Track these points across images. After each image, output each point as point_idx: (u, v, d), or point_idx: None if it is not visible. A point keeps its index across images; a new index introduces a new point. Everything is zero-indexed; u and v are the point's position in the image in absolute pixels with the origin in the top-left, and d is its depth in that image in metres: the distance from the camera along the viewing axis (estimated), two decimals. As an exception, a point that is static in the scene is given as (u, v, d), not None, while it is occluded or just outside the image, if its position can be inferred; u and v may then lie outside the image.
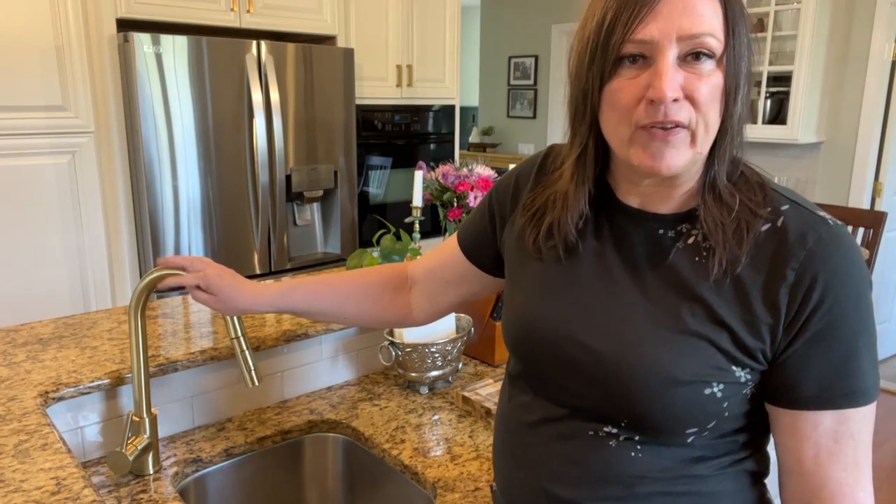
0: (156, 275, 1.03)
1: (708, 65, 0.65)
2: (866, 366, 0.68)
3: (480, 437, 1.24)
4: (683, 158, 0.68)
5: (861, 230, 3.09)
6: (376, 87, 3.27)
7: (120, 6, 2.43)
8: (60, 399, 1.10)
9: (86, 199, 2.50)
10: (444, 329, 1.44)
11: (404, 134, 3.45)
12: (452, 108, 3.64)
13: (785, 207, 0.70)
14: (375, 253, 1.55)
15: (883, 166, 3.75)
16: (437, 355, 1.40)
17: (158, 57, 2.45)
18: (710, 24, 0.64)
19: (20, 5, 2.25)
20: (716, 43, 0.65)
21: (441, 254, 1.01)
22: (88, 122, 2.45)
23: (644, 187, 0.75)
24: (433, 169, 1.79)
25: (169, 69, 2.49)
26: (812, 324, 0.67)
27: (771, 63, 3.72)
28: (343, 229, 3.15)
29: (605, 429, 0.74)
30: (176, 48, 2.48)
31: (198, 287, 1.00)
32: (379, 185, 3.42)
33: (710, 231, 0.70)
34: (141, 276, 2.66)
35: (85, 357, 1.22)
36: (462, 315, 1.53)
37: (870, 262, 2.95)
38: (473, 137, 6.15)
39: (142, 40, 2.41)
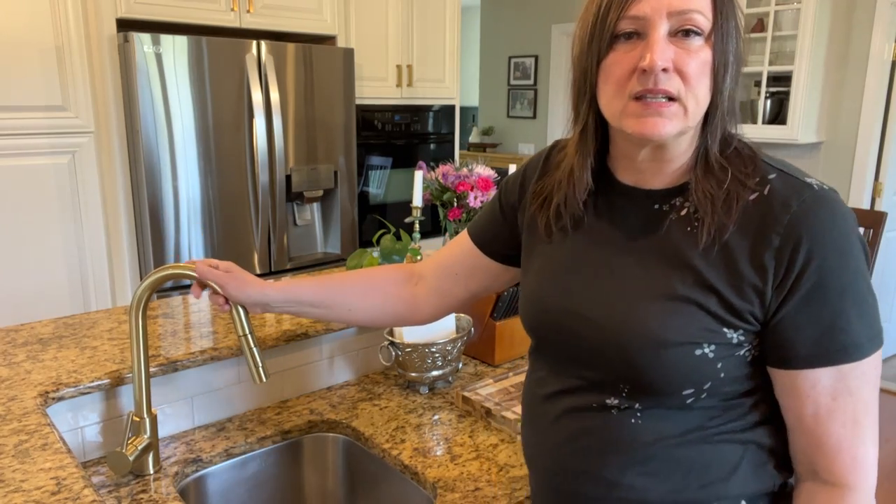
0: (159, 275, 1.03)
1: (696, 41, 0.71)
2: (856, 322, 0.70)
3: (480, 437, 1.25)
4: (675, 127, 0.72)
5: (861, 230, 3.09)
6: (376, 87, 3.27)
7: (120, 6, 2.43)
8: (60, 399, 1.10)
9: (86, 199, 2.50)
10: (444, 329, 1.44)
11: (404, 134, 3.46)
12: (452, 108, 3.64)
13: (772, 177, 0.74)
14: (375, 253, 1.55)
15: (883, 166, 3.75)
16: (437, 355, 1.40)
17: (158, 57, 2.46)
18: (698, 3, 0.70)
19: (20, 5, 2.25)
20: (704, 20, 0.70)
21: (451, 249, 1.04)
22: (88, 122, 2.45)
23: (639, 163, 0.79)
24: (433, 169, 1.79)
25: (169, 69, 2.49)
26: (801, 284, 0.70)
27: (771, 63, 3.72)
28: (343, 229, 3.15)
29: (608, 400, 0.79)
30: (176, 48, 2.48)
31: (208, 285, 1.00)
32: (379, 185, 3.42)
33: (700, 202, 0.74)
34: (141, 276, 2.66)
35: (85, 357, 1.22)
36: (462, 315, 1.53)
37: (870, 263, 2.95)
38: (473, 137, 6.15)
39: (142, 40, 2.41)
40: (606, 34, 0.72)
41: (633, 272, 0.78)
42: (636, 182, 0.81)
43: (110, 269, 2.60)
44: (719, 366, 0.73)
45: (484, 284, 1.03)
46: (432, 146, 3.60)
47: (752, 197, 0.73)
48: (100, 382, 1.14)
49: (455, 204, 1.73)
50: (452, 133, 3.68)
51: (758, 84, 3.82)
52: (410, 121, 3.46)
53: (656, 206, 0.79)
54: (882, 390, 3.70)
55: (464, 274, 1.02)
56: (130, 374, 1.16)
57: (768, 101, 3.78)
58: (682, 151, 0.77)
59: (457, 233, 1.78)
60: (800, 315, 0.71)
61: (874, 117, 3.67)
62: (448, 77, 3.58)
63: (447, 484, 1.11)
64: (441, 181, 1.74)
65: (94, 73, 2.44)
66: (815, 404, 0.73)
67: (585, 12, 0.76)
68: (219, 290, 1.00)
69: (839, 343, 0.70)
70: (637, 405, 0.77)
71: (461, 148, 5.69)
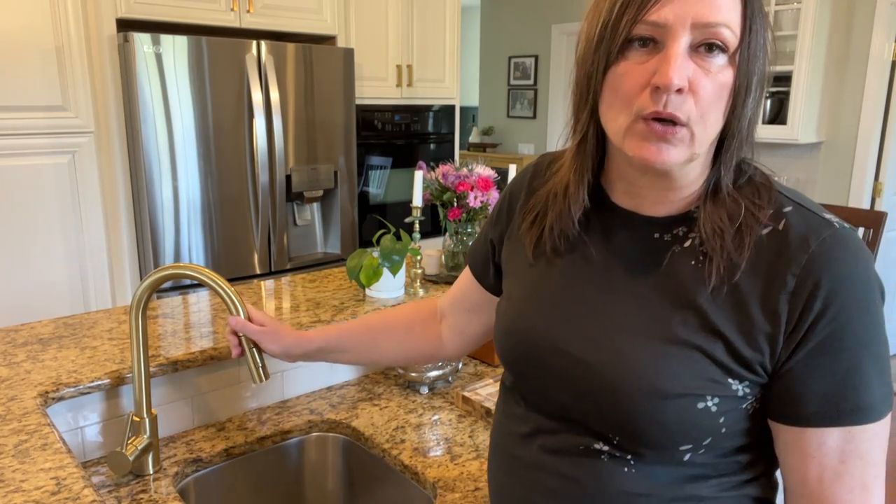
0: (158, 275, 1.03)
1: (720, 59, 0.62)
2: (873, 379, 0.63)
3: (480, 437, 1.24)
4: (681, 154, 0.64)
5: (861, 230, 3.09)
6: (376, 87, 3.27)
7: (120, 6, 2.43)
8: (60, 399, 1.10)
9: (86, 199, 2.50)
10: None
11: (404, 134, 3.46)
12: (452, 108, 3.64)
13: (788, 209, 0.66)
14: (375, 253, 1.55)
15: (883, 166, 3.75)
16: (437, 355, 1.40)
17: (158, 57, 2.46)
18: (727, 15, 0.61)
19: (20, 5, 2.25)
20: (730, 35, 0.62)
21: (460, 283, 1.00)
22: (88, 122, 2.45)
23: (639, 189, 0.72)
24: (433, 169, 1.79)
25: (169, 69, 2.49)
26: (815, 334, 0.63)
27: (771, 63, 3.72)
28: (343, 229, 3.15)
29: (596, 445, 0.71)
30: (176, 48, 2.48)
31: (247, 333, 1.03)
32: (379, 185, 3.42)
33: (708, 237, 0.67)
34: (141, 277, 2.66)
35: (85, 357, 1.22)
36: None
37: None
38: (473, 137, 6.15)
39: (142, 40, 2.41)
40: (619, 38, 0.63)
41: (629, 309, 0.69)
42: (634, 207, 0.73)
43: (110, 269, 2.60)
44: (721, 420, 0.66)
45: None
46: (432, 146, 3.60)
47: (765, 231, 0.65)
48: (100, 382, 1.14)
49: (455, 204, 1.73)
50: (452, 133, 3.68)
51: (758, 84, 3.82)
52: (410, 121, 3.46)
53: (657, 236, 0.71)
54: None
55: (474, 309, 0.97)
56: (130, 374, 1.16)
57: (768, 101, 3.78)
58: (691, 181, 0.69)
59: (457, 233, 1.78)
60: (811, 367, 0.63)
61: (874, 117, 3.67)
62: (448, 77, 3.58)
63: (447, 484, 1.10)
64: (441, 181, 1.74)
65: (94, 74, 2.44)
66: (820, 466, 0.65)
67: (595, 8, 0.67)
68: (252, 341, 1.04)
69: (852, 402, 0.63)
70: (629, 456, 0.70)
71: (461, 148, 5.69)
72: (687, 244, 0.69)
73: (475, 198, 1.70)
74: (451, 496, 1.07)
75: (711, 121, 0.64)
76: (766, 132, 3.75)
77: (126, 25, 2.52)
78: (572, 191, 0.74)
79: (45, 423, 0.98)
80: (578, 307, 0.73)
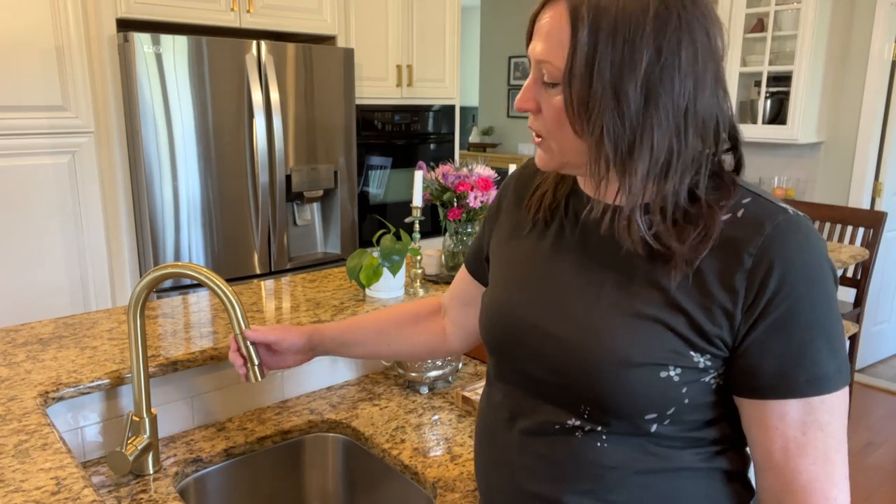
0: (157, 274, 1.03)
1: (553, 87, 0.71)
2: (826, 354, 0.68)
3: (480, 437, 1.24)
4: (552, 161, 0.76)
5: (861, 230, 3.09)
6: (376, 87, 3.27)
7: (120, 6, 2.43)
8: (60, 399, 1.10)
9: (86, 199, 2.50)
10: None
11: (404, 134, 3.46)
12: (452, 108, 3.64)
13: (746, 200, 0.72)
14: (375, 253, 1.55)
15: (883, 166, 3.75)
16: (437, 355, 1.40)
17: (158, 57, 2.46)
18: (547, 54, 0.70)
19: (20, 6, 2.25)
20: (553, 69, 0.70)
21: (459, 278, 1.05)
22: (88, 122, 2.45)
23: (586, 179, 0.80)
24: (433, 169, 1.79)
25: (169, 69, 2.49)
26: (770, 310, 0.67)
27: (771, 63, 3.72)
28: (343, 229, 3.15)
29: (570, 421, 0.76)
30: (176, 48, 2.48)
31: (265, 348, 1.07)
32: (379, 185, 3.42)
33: (665, 245, 0.71)
34: (141, 276, 2.66)
35: (85, 357, 1.22)
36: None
37: (870, 262, 2.95)
38: (473, 137, 6.15)
39: (142, 40, 2.41)
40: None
41: (598, 287, 0.75)
42: (596, 195, 0.77)
43: (110, 270, 2.60)
44: (684, 391, 0.71)
45: None
46: (432, 146, 3.60)
47: (724, 218, 0.70)
48: (100, 382, 1.14)
49: (455, 204, 1.73)
50: (452, 133, 3.68)
51: (758, 84, 3.82)
52: (410, 121, 3.46)
53: (618, 221, 0.75)
54: (882, 390, 3.70)
55: (471, 303, 1.02)
56: (130, 375, 1.16)
57: (768, 101, 3.78)
58: (612, 180, 0.72)
59: (457, 233, 1.78)
60: (768, 342, 0.68)
61: (874, 117, 3.66)
62: (448, 77, 3.58)
63: (447, 484, 1.10)
64: (441, 181, 1.74)
65: (94, 73, 2.44)
66: (783, 438, 0.70)
67: None
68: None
69: (808, 374, 0.68)
70: (600, 428, 0.75)
71: (461, 148, 5.69)
72: (653, 231, 0.72)
73: (475, 198, 1.70)
74: (451, 496, 1.07)
75: (564, 135, 0.72)
76: (766, 132, 3.75)
77: (126, 25, 2.52)
78: (554, 181, 0.85)
79: (45, 423, 0.98)
80: (553, 287, 0.79)
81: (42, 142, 2.37)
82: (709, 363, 0.71)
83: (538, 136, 0.76)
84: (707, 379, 0.71)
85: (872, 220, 3.05)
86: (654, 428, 0.73)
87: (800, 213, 0.71)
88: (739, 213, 0.70)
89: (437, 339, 1.08)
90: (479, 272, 0.99)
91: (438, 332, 1.08)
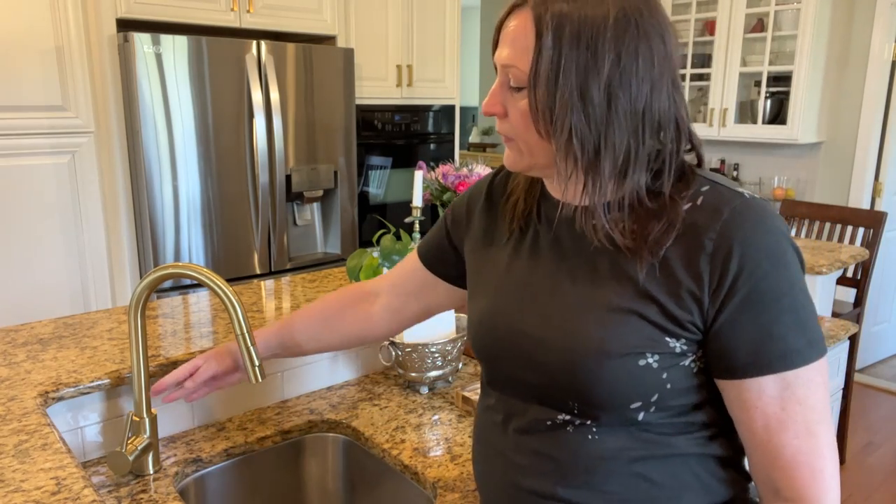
0: (157, 274, 1.03)
1: (518, 91, 0.74)
2: (794, 328, 0.70)
3: (480, 437, 1.25)
4: (521, 162, 0.79)
5: (861, 230, 3.09)
6: (376, 87, 3.27)
7: (120, 6, 2.43)
8: (60, 399, 1.10)
9: (86, 199, 2.50)
10: (444, 329, 1.44)
11: (404, 134, 3.46)
12: (452, 108, 3.64)
13: (705, 188, 0.74)
14: (375, 253, 1.55)
15: (883, 166, 3.75)
16: (437, 355, 1.40)
17: (158, 57, 2.46)
18: (512, 58, 0.73)
19: (20, 6, 2.25)
20: (519, 73, 0.72)
21: (403, 268, 1.09)
22: (88, 122, 2.45)
23: (553, 182, 0.82)
24: (433, 169, 1.79)
25: (169, 69, 2.49)
26: (736, 291, 0.69)
27: (771, 63, 3.72)
28: (343, 229, 3.15)
29: (560, 416, 0.78)
30: (176, 48, 2.48)
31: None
32: (379, 185, 3.42)
33: (631, 239, 0.74)
34: (141, 276, 2.66)
35: (85, 357, 1.22)
36: (462, 315, 1.52)
37: (870, 262, 2.95)
38: (473, 137, 6.15)
39: (142, 40, 2.41)
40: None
41: (573, 286, 0.78)
42: (562, 198, 0.81)
43: (110, 270, 2.60)
44: (664, 376, 0.73)
45: (435, 302, 1.07)
46: (432, 146, 3.60)
47: (685, 207, 0.73)
48: (100, 382, 1.14)
49: (455, 204, 1.72)
50: (452, 133, 3.68)
51: (758, 84, 3.82)
52: (410, 121, 3.46)
53: (585, 221, 0.78)
54: (882, 390, 3.70)
55: (415, 293, 1.06)
56: (130, 375, 1.16)
57: (768, 101, 3.78)
58: (577, 181, 0.75)
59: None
60: (737, 322, 0.70)
61: (874, 117, 3.67)
62: (448, 77, 3.58)
63: (447, 484, 1.11)
64: (441, 181, 1.74)
65: (94, 73, 2.44)
66: (764, 415, 0.71)
67: None
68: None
69: (778, 350, 0.70)
70: (590, 422, 0.77)
71: (461, 148, 5.69)
72: (620, 226, 0.75)
73: (475, 198, 1.69)
74: (451, 496, 1.07)
75: (531, 137, 0.75)
76: (766, 132, 3.75)
77: (126, 25, 2.52)
78: (524, 188, 0.87)
79: (45, 423, 0.98)
80: (533, 291, 0.81)
81: (42, 142, 2.37)
82: (685, 347, 0.73)
83: (507, 138, 0.79)
84: (686, 363, 0.74)
85: (872, 220, 3.05)
86: (641, 416, 0.75)
87: (756, 196, 0.74)
88: (699, 201, 0.73)
89: (362, 328, 1.11)
90: (438, 267, 1.02)
91: (364, 320, 1.11)
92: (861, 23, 3.66)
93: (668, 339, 0.72)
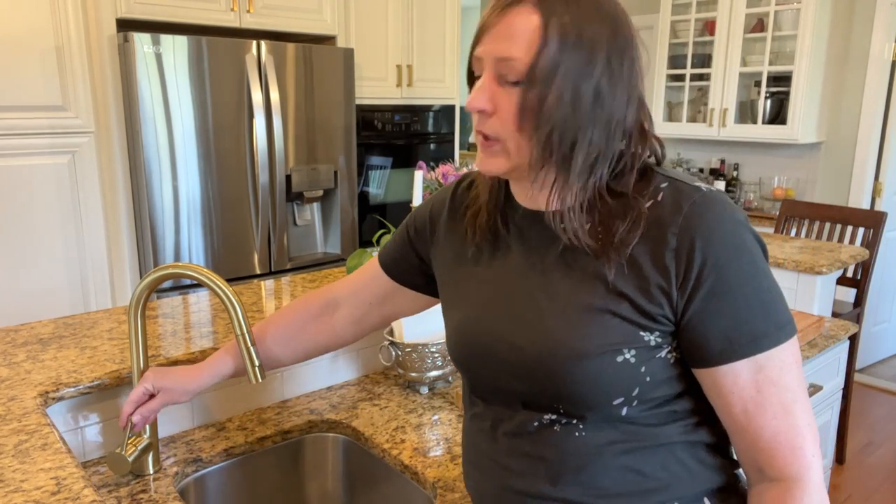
0: (157, 274, 1.03)
1: (515, 85, 0.73)
2: (759, 312, 0.72)
3: (480, 437, 1.24)
4: (501, 165, 0.77)
5: (861, 230, 3.09)
6: (376, 87, 3.27)
7: (120, 6, 2.43)
8: (60, 399, 1.10)
9: (86, 199, 2.50)
10: (443, 329, 1.44)
11: (404, 134, 3.46)
12: (452, 108, 3.64)
13: (664, 185, 0.76)
14: (375, 253, 1.55)
15: (883, 166, 3.75)
16: (436, 355, 1.40)
17: (158, 57, 2.46)
18: (513, 50, 0.71)
19: (20, 6, 2.25)
20: (520, 66, 0.71)
21: (363, 277, 1.08)
22: (88, 122, 2.45)
23: (524, 189, 0.82)
24: (433, 169, 1.79)
25: (169, 69, 2.49)
26: (702, 282, 0.71)
27: (771, 63, 3.72)
28: (343, 229, 3.15)
29: (546, 416, 0.79)
30: (176, 48, 2.48)
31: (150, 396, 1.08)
32: (379, 185, 3.42)
33: (597, 239, 0.76)
34: (141, 276, 2.66)
35: (85, 357, 1.22)
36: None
37: (870, 262, 2.95)
38: (473, 137, 6.14)
39: (142, 40, 2.41)
40: (468, 71, 0.78)
41: (547, 291, 0.78)
42: (530, 204, 0.83)
43: (110, 270, 2.60)
44: (643, 370, 0.74)
45: (397, 310, 1.07)
46: (432, 146, 3.60)
47: (647, 204, 0.75)
48: (100, 382, 1.14)
49: (455, 204, 1.72)
50: (452, 133, 3.68)
51: (758, 84, 3.82)
52: (410, 121, 3.46)
53: (553, 225, 0.79)
54: (882, 390, 3.70)
55: (376, 302, 1.06)
56: (130, 375, 1.16)
57: (768, 101, 3.78)
58: (549, 181, 0.77)
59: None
60: (705, 312, 0.72)
61: (874, 117, 3.67)
62: (448, 77, 3.58)
63: (447, 484, 1.11)
64: (441, 181, 1.74)
65: (94, 73, 2.44)
66: (741, 400, 0.73)
67: None
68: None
69: (747, 335, 0.72)
70: (576, 420, 0.78)
71: (461, 148, 5.67)
72: (587, 227, 0.77)
73: (475, 198, 1.69)
74: (451, 496, 1.07)
75: (523, 135, 0.74)
76: (766, 132, 3.76)
77: (126, 25, 2.52)
78: (486, 199, 0.87)
79: (45, 423, 0.98)
80: (508, 298, 0.82)
81: (42, 142, 2.37)
82: (660, 339, 0.75)
83: (490, 139, 0.76)
84: (662, 354, 0.75)
85: (872, 220, 3.04)
86: (624, 411, 0.76)
87: (713, 188, 0.76)
88: (659, 198, 0.75)
89: (327, 339, 1.11)
90: (403, 276, 1.02)
91: (327, 332, 1.10)
92: (861, 23, 3.66)
93: (642, 333, 0.74)
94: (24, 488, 0.83)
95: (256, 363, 1.04)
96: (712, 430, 0.80)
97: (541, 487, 0.80)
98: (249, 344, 1.03)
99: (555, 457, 0.79)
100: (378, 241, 1.59)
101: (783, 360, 0.73)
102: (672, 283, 0.73)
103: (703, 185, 0.76)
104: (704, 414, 0.79)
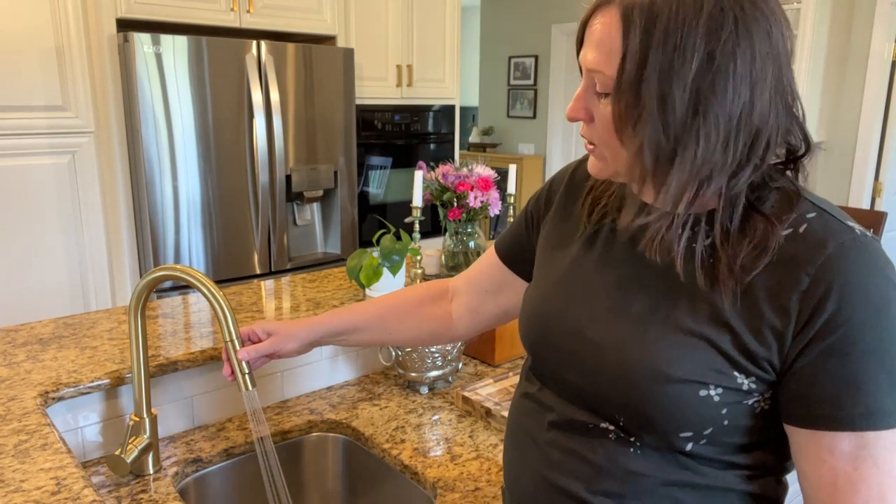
0: (156, 275, 1.03)
1: (605, 96, 0.68)
2: (885, 386, 0.62)
3: (480, 437, 1.24)
4: (605, 169, 0.73)
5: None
6: (376, 87, 3.27)
7: (120, 6, 2.43)
8: (60, 399, 1.10)
9: (86, 199, 2.50)
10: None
11: (404, 134, 3.46)
12: (452, 108, 3.64)
13: (811, 215, 0.67)
14: (375, 253, 1.55)
15: (883, 166, 3.76)
16: (436, 355, 1.40)
17: (158, 57, 2.46)
18: (598, 63, 0.66)
19: (20, 6, 2.25)
20: (604, 78, 0.67)
21: (480, 264, 1.03)
22: (88, 122, 2.45)
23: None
24: (433, 169, 1.79)
25: (169, 69, 2.49)
26: (825, 335, 0.63)
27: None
28: (343, 229, 3.15)
29: (603, 424, 0.74)
30: (176, 48, 2.48)
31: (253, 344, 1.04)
32: (379, 185, 3.42)
33: (720, 244, 0.68)
34: (141, 276, 2.66)
35: (85, 357, 1.22)
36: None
37: None
38: (473, 137, 6.15)
39: (142, 40, 2.41)
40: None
41: (644, 298, 0.72)
42: (656, 201, 0.73)
43: (110, 270, 2.60)
44: (724, 412, 0.67)
45: (514, 301, 1.00)
46: (432, 146, 3.60)
47: (785, 233, 0.66)
48: (100, 382, 1.14)
49: (455, 204, 1.73)
50: (452, 133, 3.68)
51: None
52: (410, 121, 3.46)
53: (675, 230, 0.71)
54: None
55: (493, 291, 1.01)
56: (130, 374, 1.16)
57: (768, 101, 3.78)
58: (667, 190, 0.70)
59: (457, 233, 1.78)
60: (820, 368, 0.63)
61: (874, 117, 3.67)
62: (448, 77, 3.58)
63: (447, 484, 1.10)
64: (441, 181, 1.74)
65: (94, 73, 2.44)
66: (833, 472, 0.64)
67: None
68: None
69: (863, 406, 0.62)
70: (633, 438, 0.72)
71: (461, 148, 5.69)
72: (708, 241, 0.69)
73: (475, 198, 1.70)
74: (451, 496, 1.07)
75: (616, 144, 0.69)
76: (766, 132, 3.75)
77: (126, 25, 2.52)
78: (607, 183, 0.82)
79: (45, 423, 0.98)
80: (597, 294, 0.77)
81: (42, 142, 2.37)
82: (753, 386, 0.67)
83: (591, 143, 0.73)
84: (750, 402, 0.68)
85: (872, 220, 3.05)
86: (689, 447, 0.70)
87: (868, 233, 0.66)
88: (801, 229, 0.66)
89: (441, 326, 1.07)
90: (517, 264, 0.97)
91: (443, 318, 1.06)
92: (861, 23, 3.66)
93: (736, 373, 0.66)
94: (24, 488, 0.83)
95: (246, 371, 1.01)
96: (775, 487, 0.74)
97: (575, 488, 0.75)
98: (238, 350, 1.02)
99: (601, 463, 0.74)
100: (378, 241, 1.59)
101: (894, 441, 0.63)
102: (789, 327, 0.64)
103: (856, 227, 0.66)
104: (772, 468, 0.73)
